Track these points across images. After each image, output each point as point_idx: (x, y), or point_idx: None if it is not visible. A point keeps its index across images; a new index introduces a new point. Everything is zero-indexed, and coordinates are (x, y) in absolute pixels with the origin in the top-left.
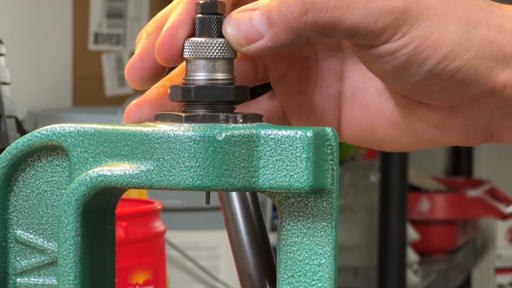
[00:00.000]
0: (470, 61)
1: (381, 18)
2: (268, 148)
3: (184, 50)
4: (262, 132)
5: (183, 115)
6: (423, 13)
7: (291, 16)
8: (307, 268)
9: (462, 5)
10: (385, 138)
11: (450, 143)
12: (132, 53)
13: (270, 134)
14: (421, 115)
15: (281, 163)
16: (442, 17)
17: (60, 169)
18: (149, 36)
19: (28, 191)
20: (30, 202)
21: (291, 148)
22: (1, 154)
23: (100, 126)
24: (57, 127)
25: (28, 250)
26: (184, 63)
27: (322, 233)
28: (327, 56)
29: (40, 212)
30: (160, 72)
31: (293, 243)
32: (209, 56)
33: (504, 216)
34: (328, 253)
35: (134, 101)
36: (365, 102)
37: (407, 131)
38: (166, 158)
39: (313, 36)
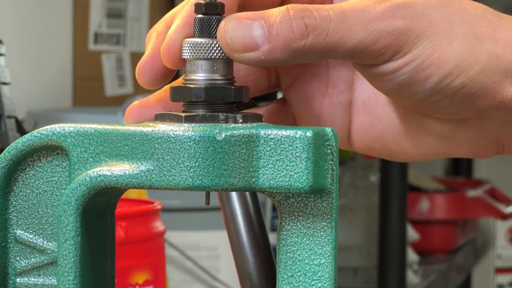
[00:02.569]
0: (476, 77)
1: (381, 39)
2: (268, 148)
3: (184, 51)
4: (262, 132)
5: (183, 115)
6: (425, 31)
7: (292, 36)
8: (307, 268)
9: (468, 20)
10: (395, 148)
11: (461, 155)
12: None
13: (270, 134)
14: (430, 126)
15: (281, 163)
16: (446, 34)
17: (60, 169)
18: (159, 36)
19: (28, 191)
20: (30, 202)
21: (291, 148)
22: (1, 154)
23: (100, 126)
24: (57, 127)
25: (28, 250)
26: None
27: (322, 233)
28: (338, 64)
29: (40, 212)
30: (171, 71)
31: (293, 243)
32: (208, 56)
33: (504, 216)
34: (328, 253)
35: (136, 102)
36: (375, 111)
37: (416, 142)
38: (166, 158)
39: (308, 59)
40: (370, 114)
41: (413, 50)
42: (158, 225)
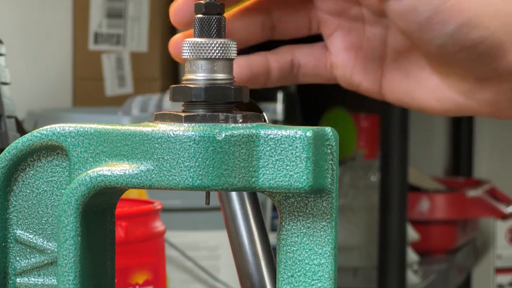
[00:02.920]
0: (495, 33)
1: None
2: (268, 148)
3: (184, 51)
4: (262, 132)
5: (183, 115)
6: None
7: None
8: (307, 268)
9: None
10: (422, 102)
11: (483, 115)
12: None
13: (270, 134)
14: (452, 83)
15: (281, 163)
16: None
17: (60, 169)
18: None
19: (28, 191)
20: (30, 202)
21: (291, 148)
22: (1, 154)
23: (100, 126)
24: (57, 127)
25: (28, 250)
26: None
27: (322, 233)
28: (373, 21)
29: (40, 212)
30: None
31: (293, 243)
32: (208, 56)
33: (504, 216)
34: (328, 253)
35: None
36: (405, 68)
37: (441, 98)
38: (166, 158)
39: None
40: (399, 71)
41: None
42: (158, 225)
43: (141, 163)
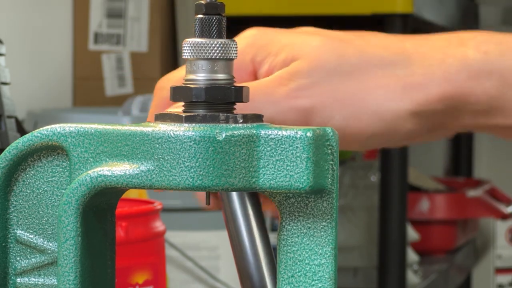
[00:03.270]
0: (398, 133)
1: (289, 118)
2: (268, 148)
3: (184, 51)
4: (262, 132)
5: (183, 115)
6: (333, 109)
7: None
8: (307, 268)
9: (378, 91)
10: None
11: (432, 140)
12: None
13: (270, 134)
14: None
15: (281, 163)
16: (356, 109)
17: (60, 169)
18: None
19: (28, 191)
20: (30, 202)
21: (291, 148)
22: (1, 154)
23: (100, 126)
24: (57, 127)
25: (28, 250)
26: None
27: (322, 233)
28: None
29: (40, 212)
30: None
31: (293, 243)
32: (209, 56)
33: (504, 216)
34: (328, 253)
35: None
36: None
37: (391, 144)
38: (166, 158)
39: None
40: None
41: (328, 125)
42: (158, 225)
43: (142, 163)
